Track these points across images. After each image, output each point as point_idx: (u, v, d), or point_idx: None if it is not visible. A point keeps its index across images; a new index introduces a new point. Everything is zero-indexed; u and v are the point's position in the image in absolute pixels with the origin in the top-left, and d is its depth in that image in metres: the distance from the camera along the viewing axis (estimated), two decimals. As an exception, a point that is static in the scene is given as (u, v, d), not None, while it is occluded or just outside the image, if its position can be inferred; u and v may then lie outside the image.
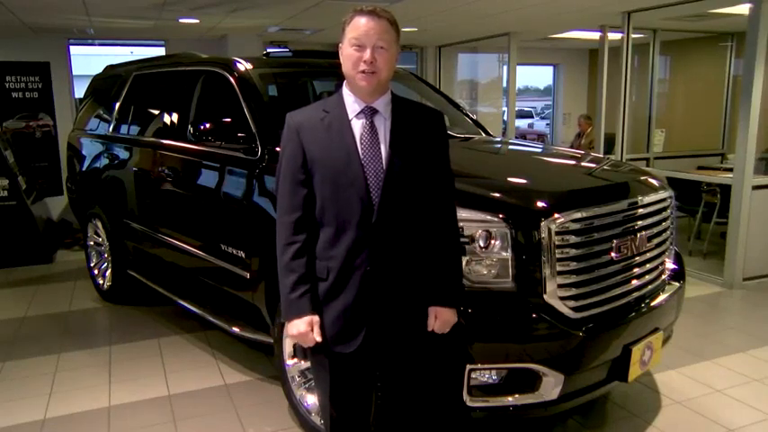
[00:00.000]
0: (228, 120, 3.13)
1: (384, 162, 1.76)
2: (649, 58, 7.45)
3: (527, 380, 2.34)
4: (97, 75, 5.33)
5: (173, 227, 3.77)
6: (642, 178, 2.92)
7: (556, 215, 2.34)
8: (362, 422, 1.96)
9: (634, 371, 2.55)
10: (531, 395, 2.35)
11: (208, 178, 3.42)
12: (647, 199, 2.69)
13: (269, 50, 4.45)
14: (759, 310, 4.50)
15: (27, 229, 5.98)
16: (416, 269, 1.84)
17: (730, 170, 5.39)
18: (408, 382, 1.95)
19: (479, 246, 2.29)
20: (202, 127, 3.06)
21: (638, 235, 2.60)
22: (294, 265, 1.80)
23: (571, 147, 8.22)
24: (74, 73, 8.02)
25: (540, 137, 15.10)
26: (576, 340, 2.34)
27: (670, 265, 2.94)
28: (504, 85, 9.22)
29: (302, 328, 1.78)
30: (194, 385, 3.37)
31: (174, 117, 3.90)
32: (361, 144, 1.77)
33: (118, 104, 4.61)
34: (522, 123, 18.66)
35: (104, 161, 4.63)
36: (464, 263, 2.22)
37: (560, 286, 2.34)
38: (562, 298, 2.34)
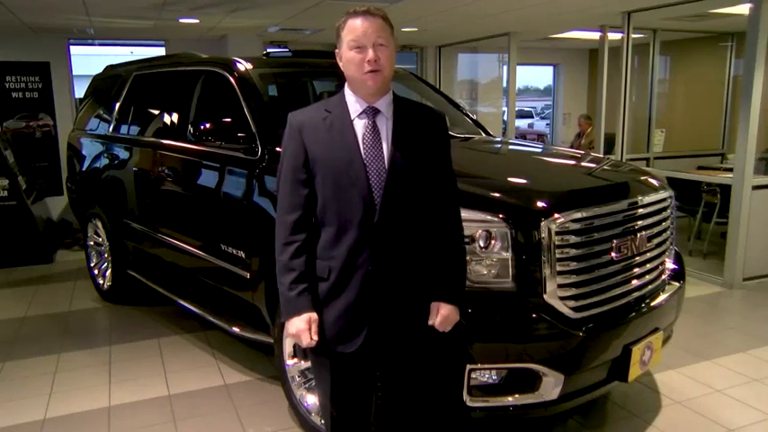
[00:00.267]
0: (228, 120, 3.13)
1: (386, 162, 1.76)
2: (649, 58, 7.44)
3: (527, 380, 2.34)
4: (97, 75, 5.33)
5: (173, 227, 3.77)
6: (642, 178, 2.92)
7: (556, 215, 2.34)
8: (363, 422, 1.96)
9: (634, 371, 2.55)
10: (531, 395, 2.35)
11: (208, 178, 3.42)
12: (648, 199, 2.69)
13: (269, 50, 4.46)
14: (759, 310, 4.50)
15: (27, 229, 5.98)
16: (418, 269, 1.84)
17: (730, 170, 5.39)
18: (409, 381, 1.94)
19: (479, 246, 2.29)
20: (202, 127, 3.06)
21: (639, 235, 2.60)
22: (293, 264, 1.80)
23: (571, 147, 8.22)
24: (74, 73, 8.01)
25: (540, 137, 15.10)
26: (576, 340, 2.34)
27: (670, 265, 2.94)
28: (504, 85, 9.22)
29: (301, 326, 1.78)
30: (194, 385, 3.37)
31: (174, 117, 3.89)
32: (364, 144, 1.77)
33: (118, 104, 4.61)
34: (522, 123, 18.67)
35: (104, 161, 4.63)
36: (464, 263, 2.22)
37: (560, 286, 2.34)
38: (562, 298, 2.35)
